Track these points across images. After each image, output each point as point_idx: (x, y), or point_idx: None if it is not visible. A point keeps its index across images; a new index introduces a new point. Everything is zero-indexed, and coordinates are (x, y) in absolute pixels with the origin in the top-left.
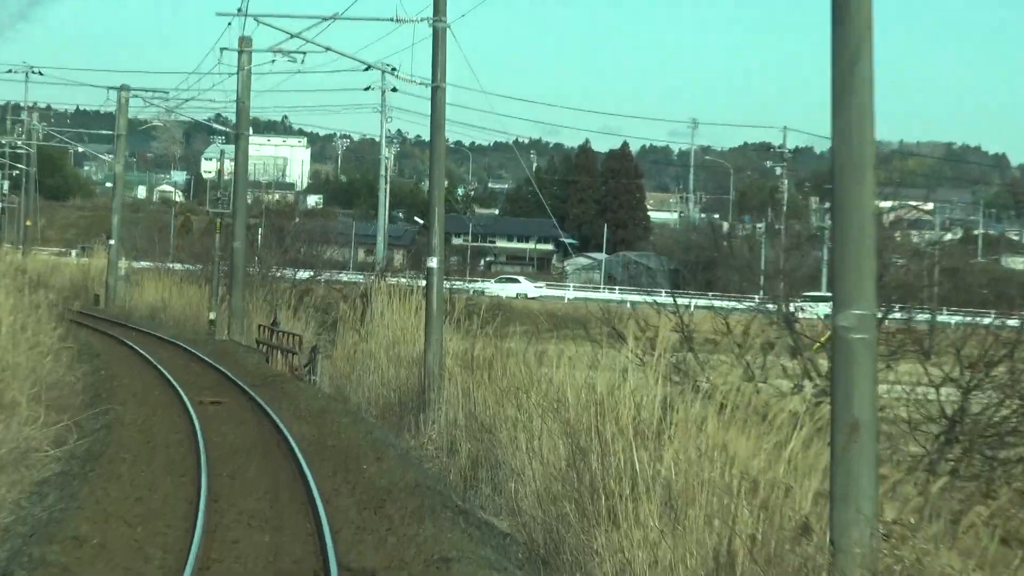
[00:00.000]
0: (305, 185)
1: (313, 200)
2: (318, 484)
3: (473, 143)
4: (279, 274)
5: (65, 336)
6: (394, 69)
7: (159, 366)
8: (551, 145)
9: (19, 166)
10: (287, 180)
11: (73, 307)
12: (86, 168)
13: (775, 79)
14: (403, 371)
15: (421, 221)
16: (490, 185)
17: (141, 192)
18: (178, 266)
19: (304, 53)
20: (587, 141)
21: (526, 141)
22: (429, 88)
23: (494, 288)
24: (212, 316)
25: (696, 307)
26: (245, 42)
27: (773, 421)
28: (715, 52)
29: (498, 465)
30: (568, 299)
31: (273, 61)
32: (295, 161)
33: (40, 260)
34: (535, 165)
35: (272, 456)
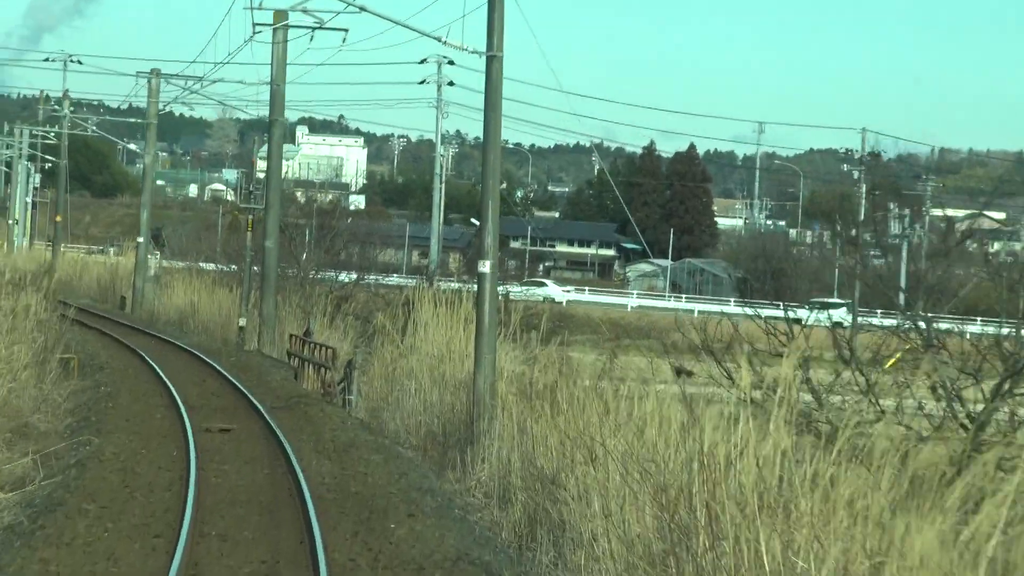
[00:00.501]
0: (360, 185)
1: (356, 200)
2: (330, 553)
3: (533, 145)
4: (319, 276)
5: (52, 347)
6: (442, 40)
7: (169, 382)
8: (612, 148)
9: (50, 158)
10: (342, 180)
11: (97, 310)
12: (138, 165)
13: (841, 82)
14: (448, 395)
15: (478, 223)
16: (550, 188)
17: (193, 190)
18: (210, 266)
19: (346, 30)
20: (652, 142)
21: (587, 144)
22: (483, 73)
23: (519, 292)
24: (242, 323)
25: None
26: (280, 16)
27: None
28: (780, 53)
29: (562, 527)
30: (631, 307)
31: (311, 37)
32: (351, 161)
33: (69, 259)
34: (596, 168)
35: (279, 508)
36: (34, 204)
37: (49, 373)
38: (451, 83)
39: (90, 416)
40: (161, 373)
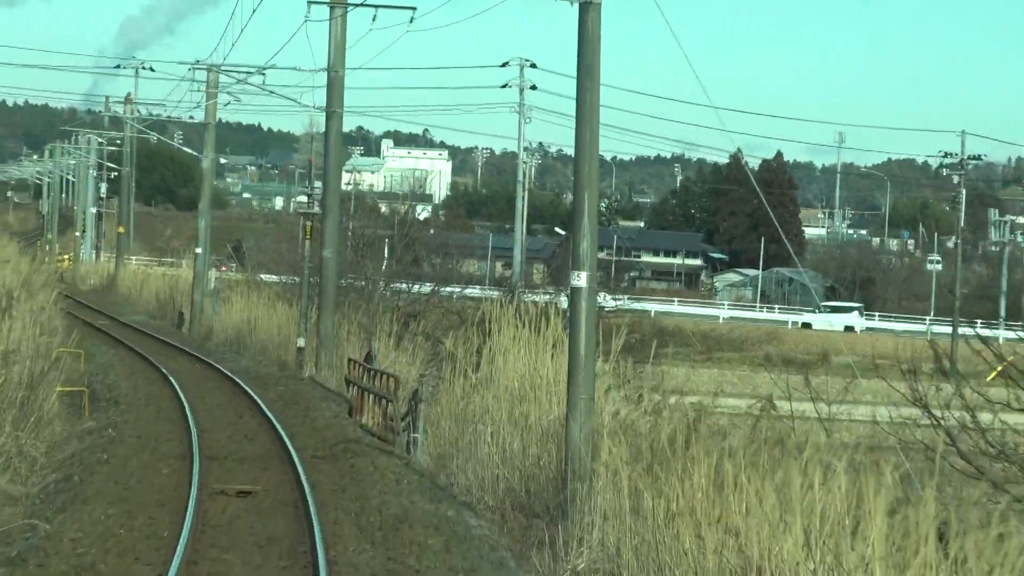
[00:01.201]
0: (444, 197)
1: (424, 210)
2: None
3: (615, 157)
4: (389, 289)
5: (43, 378)
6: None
7: (193, 422)
8: (693, 160)
9: (113, 167)
10: (427, 192)
11: (148, 327)
12: (228, 180)
13: (920, 90)
14: (533, 444)
15: (563, 232)
16: (634, 198)
17: (279, 203)
18: (272, 278)
19: (414, 8)
20: (739, 149)
21: (668, 155)
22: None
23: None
24: (300, 343)
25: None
26: None
27: None
28: (860, 65)
29: None
30: (723, 318)
31: (374, 17)
32: (436, 174)
33: (131, 271)
34: (679, 178)
35: None
36: (100, 215)
37: (33, 414)
38: (533, 87)
39: (74, 475)
40: (188, 409)
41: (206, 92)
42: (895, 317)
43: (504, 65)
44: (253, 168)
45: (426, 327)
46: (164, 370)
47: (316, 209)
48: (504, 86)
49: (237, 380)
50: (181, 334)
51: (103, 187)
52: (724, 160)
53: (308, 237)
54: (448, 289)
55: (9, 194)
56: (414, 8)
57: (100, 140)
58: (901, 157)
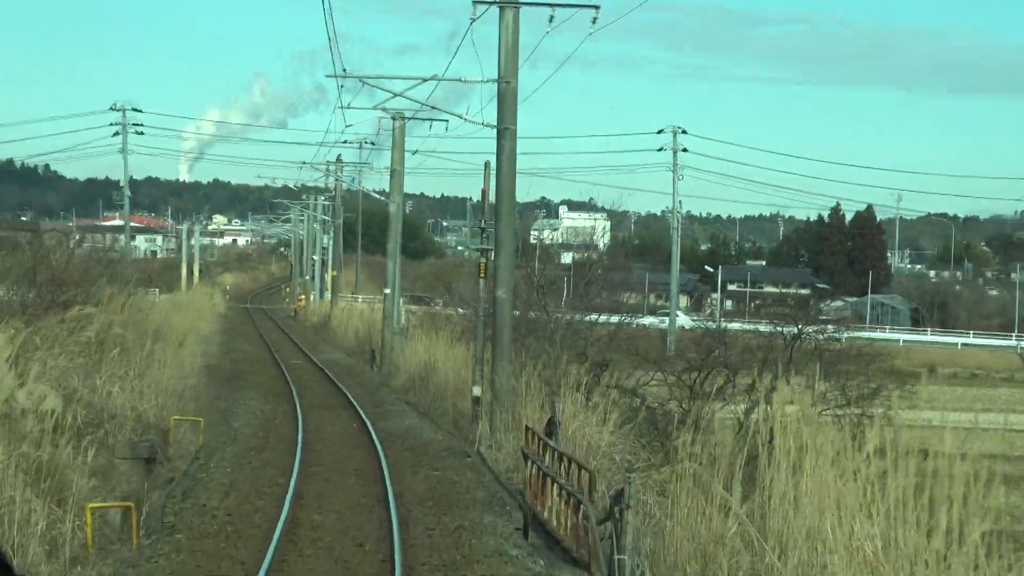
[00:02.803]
0: (606, 246)
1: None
2: None
3: (729, 215)
4: (568, 328)
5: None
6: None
7: (299, 524)
8: (786, 217)
9: (322, 216)
10: (595, 242)
11: (338, 364)
12: (449, 237)
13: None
14: None
15: (710, 269)
16: (758, 244)
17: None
18: (450, 311)
19: (597, 7)
20: (838, 204)
21: (767, 215)
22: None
23: (652, 321)
24: (476, 392)
25: None
26: None
27: None
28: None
29: None
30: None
31: (551, 18)
32: (600, 228)
33: (341, 308)
34: (781, 232)
35: None
36: (324, 263)
37: None
38: (685, 149)
39: None
40: (287, 503)
41: (392, 137)
42: (959, 332)
43: (660, 132)
44: (466, 228)
45: (619, 377)
46: (300, 434)
47: (487, 245)
48: (660, 149)
49: (382, 453)
50: (367, 375)
51: (326, 239)
52: (813, 214)
53: (483, 276)
54: (627, 320)
55: (282, 249)
56: (597, 7)
57: (324, 200)
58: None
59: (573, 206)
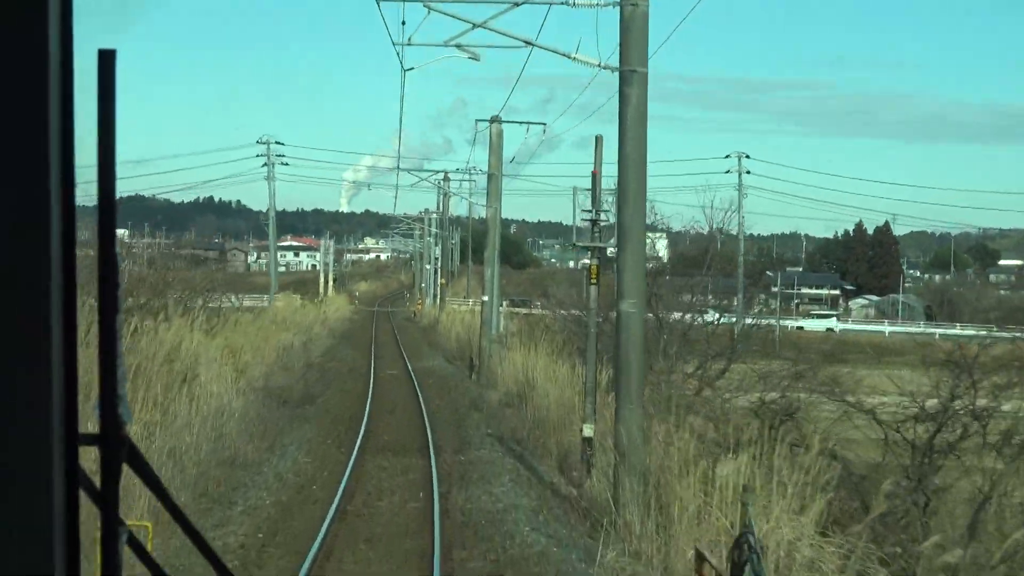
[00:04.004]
0: (668, 258)
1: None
2: None
3: (758, 232)
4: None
5: None
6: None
7: None
8: (804, 235)
9: (434, 229)
10: (658, 255)
11: (435, 373)
12: (545, 252)
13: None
14: None
15: (771, 274)
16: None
17: (571, 263)
18: (545, 312)
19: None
20: (861, 222)
21: (788, 232)
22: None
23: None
24: (587, 431)
25: None
26: None
27: None
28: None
29: None
30: (888, 333)
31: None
32: (660, 247)
33: (448, 311)
34: (803, 245)
35: None
36: (436, 271)
37: None
38: (748, 172)
39: None
40: None
41: (489, 141)
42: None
43: (727, 157)
44: (558, 245)
45: (807, 427)
46: (326, 523)
47: (610, 244)
48: (727, 172)
49: (447, 518)
50: (462, 388)
51: (437, 250)
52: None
53: (593, 280)
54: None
55: (412, 262)
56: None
57: (435, 215)
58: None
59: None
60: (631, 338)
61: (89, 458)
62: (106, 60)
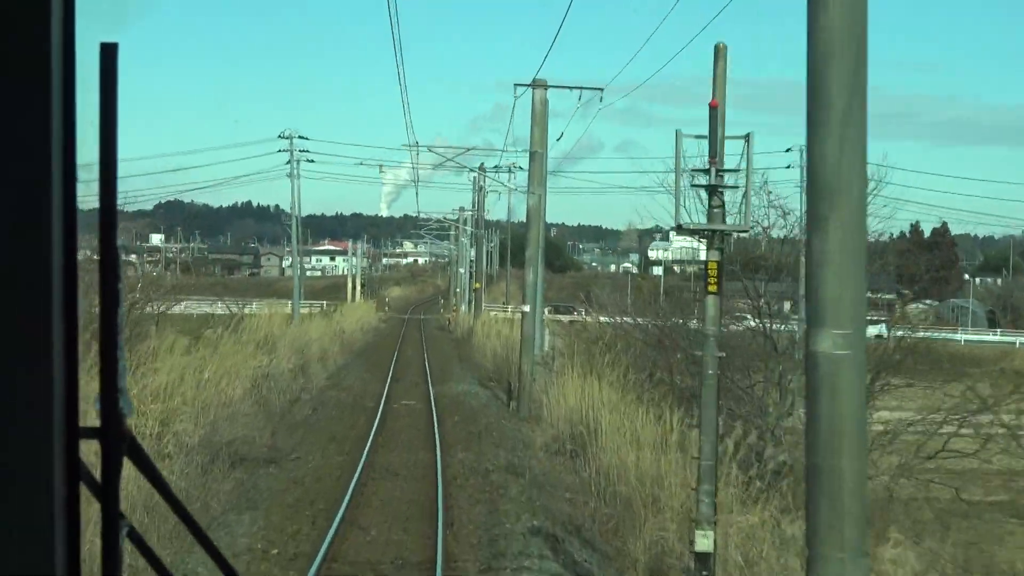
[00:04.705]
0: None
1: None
2: None
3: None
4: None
5: None
6: None
7: None
8: None
9: (469, 228)
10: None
11: (466, 401)
12: (585, 256)
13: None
14: None
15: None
16: None
17: (612, 267)
18: (588, 318)
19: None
20: (917, 222)
21: None
22: None
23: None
24: (701, 543)
25: None
26: None
27: None
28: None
29: None
30: (963, 341)
31: None
32: (702, 250)
33: (483, 321)
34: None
35: None
36: (472, 275)
37: None
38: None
39: None
40: None
41: (532, 112)
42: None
43: (788, 151)
44: (597, 249)
45: None
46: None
47: (735, 227)
48: (787, 167)
49: None
50: (497, 426)
51: (473, 252)
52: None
53: (712, 287)
54: None
55: (448, 266)
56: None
57: (470, 212)
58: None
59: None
60: (841, 412)
61: (90, 451)
62: (108, 54)
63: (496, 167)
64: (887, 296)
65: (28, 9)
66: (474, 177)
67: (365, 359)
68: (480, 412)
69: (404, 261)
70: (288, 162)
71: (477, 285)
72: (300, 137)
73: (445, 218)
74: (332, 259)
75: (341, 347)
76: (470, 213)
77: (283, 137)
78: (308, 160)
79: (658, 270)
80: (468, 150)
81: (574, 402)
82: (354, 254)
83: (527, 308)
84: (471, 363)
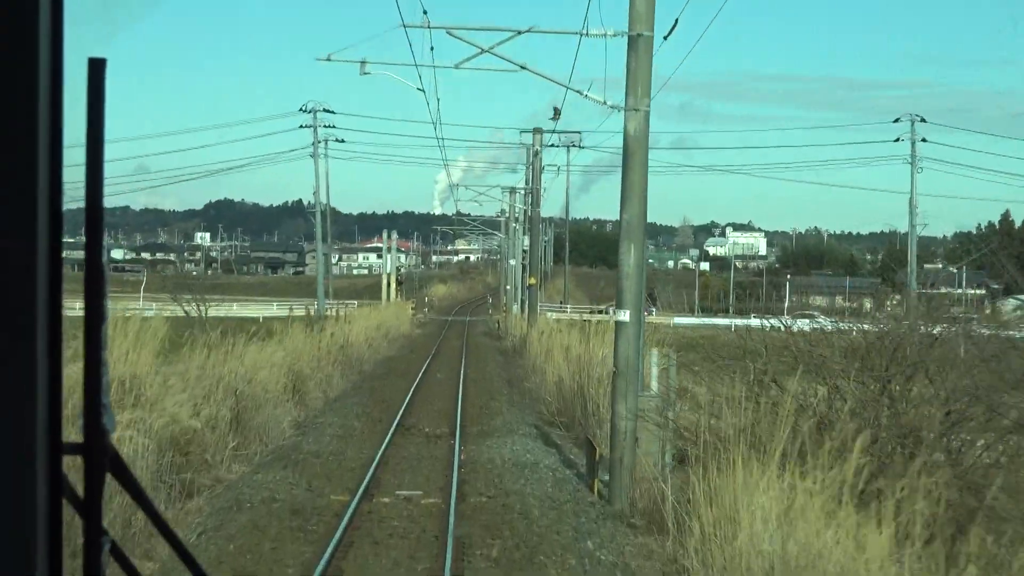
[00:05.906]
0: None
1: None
2: None
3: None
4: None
5: None
6: None
7: None
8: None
9: (520, 207)
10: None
11: (515, 496)
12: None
13: None
14: None
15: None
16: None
17: (670, 264)
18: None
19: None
20: (1008, 211)
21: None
22: None
23: None
24: None
25: None
26: None
27: None
28: None
29: None
30: None
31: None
32: (760, 246)
33: (542, 325)
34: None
35: None
36: (526, 267)
37: None
38: (924, 140)
39: None
40: None
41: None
42: None
43: (896, 121)
44: (652, 245)
45: None
46: None
47: None
48: (897, 140)
49: None
50: (578, 547)
51: (526, 240)
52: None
53: None
54: None
55: (499, 262)
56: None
57: (522, 189)
58: None
59: (738, 227)
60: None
61: (72, 466)
62: (96, 69)
63: (553, 141)
64: (976, 292)
65: (17, 20)
66: (527, 146)
67: (372, 389)
68: (542, 524)
69: (455, 259)
70: (314, 143)
71: (532, 280)
72: (326, 111)
73: (486, 193)
74: (379, 256)
75: (351, 368)
76: (522, 190)
77: (304, 111)
78: (337, 140)
79: (705, 265)
80: (517, 33)
81: (741, 501)
82: (388, 249)
83: (625, 315)
84: (524, 393)
